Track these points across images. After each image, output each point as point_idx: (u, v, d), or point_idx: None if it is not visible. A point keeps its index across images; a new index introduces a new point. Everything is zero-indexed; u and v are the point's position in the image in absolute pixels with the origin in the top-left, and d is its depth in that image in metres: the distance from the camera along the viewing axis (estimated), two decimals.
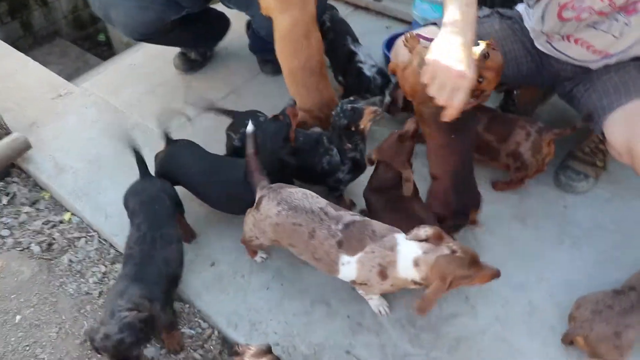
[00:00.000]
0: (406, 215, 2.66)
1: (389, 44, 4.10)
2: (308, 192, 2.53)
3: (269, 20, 3.10)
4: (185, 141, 3.06)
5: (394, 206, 2.74)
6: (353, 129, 2.79)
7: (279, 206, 2.44)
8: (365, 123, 2.78)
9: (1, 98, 4.04)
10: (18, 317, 2.92)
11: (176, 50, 4.27)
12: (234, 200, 2.90)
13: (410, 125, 2.69)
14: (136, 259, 2.55)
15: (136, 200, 2.76)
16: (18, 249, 3.25)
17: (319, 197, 2.52)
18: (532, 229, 3.09)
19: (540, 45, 2.99)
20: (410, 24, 4.43)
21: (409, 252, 2.26)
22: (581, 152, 3.27)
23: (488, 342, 2.64)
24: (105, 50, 7.09)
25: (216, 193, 2.94)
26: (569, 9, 2.65)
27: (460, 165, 2.75)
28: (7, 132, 3.63)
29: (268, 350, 2.27)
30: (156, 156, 3.06)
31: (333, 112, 2.83)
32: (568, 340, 2.58)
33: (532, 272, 2.90)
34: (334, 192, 3.02)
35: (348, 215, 2.41)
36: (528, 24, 3.01)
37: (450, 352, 2.61)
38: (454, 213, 2.77)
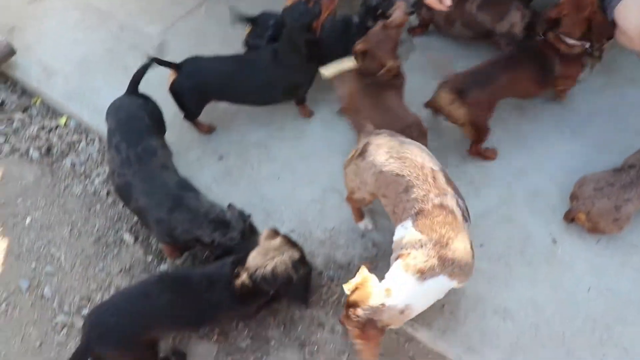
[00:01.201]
0: (380, 106, 2.69)
1: None
2: (425, 148, 2.34)
3: None
4: (194, 57, 2.91)
5: (370, 93, 2.73)
6: (379, 12, 2.82)
7: (387, 154, 2.25)
8: (394, 13, 2.74)
9: None
10: (28, 220, 2.92)
11: None
12: (268, 88, 2.91)
13: (397, 16, 2.67)
14: (140, 185, 2.46)
15: (114, 119, 2.66)
16: (16, 155, 3.19)
17: (434, 158, 2.30)
18: (532, 118, 3.14)
19: None
20: None
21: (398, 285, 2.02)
22: None
23: (494, 222, 2.73)
24: None
25: (251, 86, 2.90)
26: None
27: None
28: None
29: (276, 232, 2.36)
30: (174, 83, 2.87)
31: None
32: (570, 218, 2.69)
33: (533, 158, 2.96)
34: None
35: (453, 197, 2.13)
36: None
37: None
38: None
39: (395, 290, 1.98)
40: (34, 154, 3.17)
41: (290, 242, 2.33)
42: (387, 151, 2.25)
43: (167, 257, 2.72)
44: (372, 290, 1.98)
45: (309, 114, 3.14)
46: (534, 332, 2.44)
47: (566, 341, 2.40)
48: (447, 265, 2.00)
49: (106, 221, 2.88)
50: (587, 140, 3.03)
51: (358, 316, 1.94)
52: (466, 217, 2.17)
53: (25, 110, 3.41)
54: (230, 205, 2.51)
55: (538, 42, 2.84)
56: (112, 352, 2.20)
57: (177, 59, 2.88)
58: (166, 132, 2.83)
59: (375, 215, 2.76)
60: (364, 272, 2.06)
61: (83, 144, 3.19)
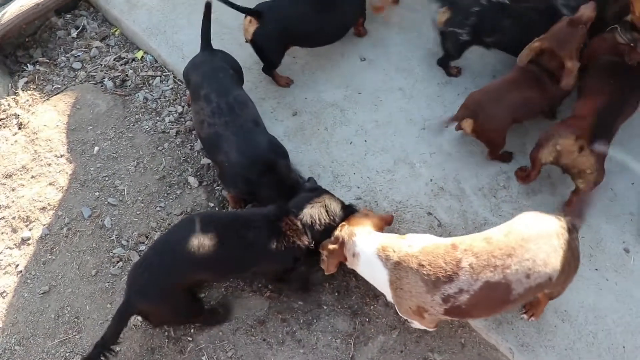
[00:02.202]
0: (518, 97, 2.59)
1: None
2: (536, 270, 1.96)
3: None
4: (268, 3, 2.83)
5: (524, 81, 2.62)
6: None
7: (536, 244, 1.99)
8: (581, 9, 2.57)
9: None
10: (96, 149, 2.93)
11: None
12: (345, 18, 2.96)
13: (585, 11, 2.48)
14: (232, 138, 2.40)
15: (198, 73, 2.61)
16: (91, 82, 3.20)
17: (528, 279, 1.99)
18: None
19: None
20: None
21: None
22: None
23: None
24: None
25: (331, 21, 2.91)
26: None
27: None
28: None
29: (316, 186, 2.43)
30: (256, 32, 2.79)
31: None
32: None
33: (615, 160, 2.80)
34: None
35: (461, 286, 1.97)
36: None
37: None
38: None
39: (365, 239, 2.16)
40: (108, 83, 3.17)
41: (330, 194, 2.34)
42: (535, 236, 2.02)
43: (230, 205, 2.70)
44: (363, 224, 2.21)
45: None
46: (592, 339, 2.34)
47: (626, 355, 2.30)
48: (395, 272, 2.06)
49: (172, 161, 2.87)
50: None
51: (342, 230, 2.20)
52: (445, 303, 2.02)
53: (103, 39, 3.41)
54: (310, 179, 2.49)
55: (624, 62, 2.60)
56: (153, 307, 2.20)
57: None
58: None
59: (444, 195, 2.68)
60: (383, 216, 2.35)
61: (157, 80, 3.17)
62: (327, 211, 2.27)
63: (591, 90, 2.58)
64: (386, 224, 2.34)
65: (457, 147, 2.81)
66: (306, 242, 2.25)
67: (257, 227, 2.22)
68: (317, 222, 2.25)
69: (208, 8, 2.67)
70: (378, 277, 2.14)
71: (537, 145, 2.52)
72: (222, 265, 2.26)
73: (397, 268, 2.06)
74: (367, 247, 2.15)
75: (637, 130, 2.89)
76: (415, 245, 2.08)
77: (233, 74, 2.61)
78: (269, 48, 2.83)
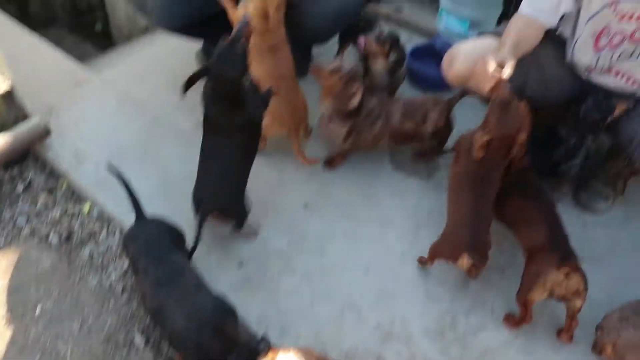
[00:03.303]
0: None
1: (413, 54, 4.12)
2: None
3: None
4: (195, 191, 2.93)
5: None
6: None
7: None
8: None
9: (18, 81, 3.90)
10: (38, 309, 2.86)
11: (197, 45, 4.21)
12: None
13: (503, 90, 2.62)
14: (173, 305, 2.37)
15: (134, 245, 2.64)
16: (36, 238, 3.18)
17: None
18: None
19: (583, 76, 3.03)
20: (432, 36, 4.43)
21: None
22: (605, 174, 3.30)
23: (514, 355, 2.66)
24: (102, 40, 6.88)
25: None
26: (604, 36, 2.70)
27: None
28: (26, 116, 3.55)
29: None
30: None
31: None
32: (598, 349, 2.61)
33: None
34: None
35: None
36: (568, 57, 3.02)
37: None
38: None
39: None
40: (54, 239, 3.15)
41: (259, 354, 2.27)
42: None
43: None
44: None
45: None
46: None
47: None
48: None
49: (118, 319, 2.81)
50: (609, 273, 2.98)
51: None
52: None
53: (50, 192, 3.43)
54: (263, 339, 2.42)
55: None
56: None
57: None
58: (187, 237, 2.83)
59: (392, 339, 2.70)
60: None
61: (104, 234, 3.17)
62: None
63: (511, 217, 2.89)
64: None
65: (401, 286, 2.88)
66: None
67: None
68: None
69: (122, 182, 2.79)
70: None
71: (524, 289, 2.61)
72: None
73: None
74: None
75: None
76: None
77: (170, 241, 2.64)
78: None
